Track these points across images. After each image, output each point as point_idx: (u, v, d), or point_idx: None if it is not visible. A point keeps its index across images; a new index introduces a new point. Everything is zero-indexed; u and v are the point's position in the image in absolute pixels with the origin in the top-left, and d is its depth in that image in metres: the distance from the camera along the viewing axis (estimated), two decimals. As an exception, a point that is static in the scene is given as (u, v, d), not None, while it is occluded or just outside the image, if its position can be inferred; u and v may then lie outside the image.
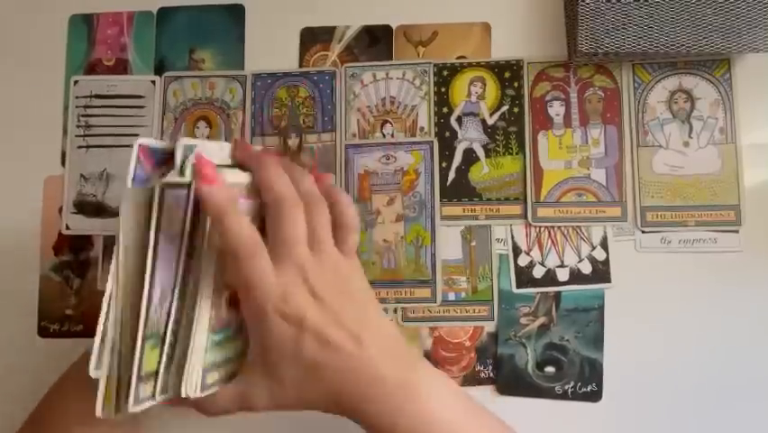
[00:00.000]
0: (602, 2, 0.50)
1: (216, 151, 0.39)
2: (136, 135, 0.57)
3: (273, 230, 0.37)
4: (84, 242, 0.56)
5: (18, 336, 0.56)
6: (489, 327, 0.53)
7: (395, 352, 0.39)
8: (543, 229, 0.54)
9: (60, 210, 0.56)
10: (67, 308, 0.56)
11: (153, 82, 0.57)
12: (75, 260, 0.56)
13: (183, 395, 0.36)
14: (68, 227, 0.56)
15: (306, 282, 0.37)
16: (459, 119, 0.55)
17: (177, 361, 0.36)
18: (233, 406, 0.38)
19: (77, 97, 0.58)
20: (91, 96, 0.57)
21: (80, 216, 0.56)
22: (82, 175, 0.57)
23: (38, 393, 0.48)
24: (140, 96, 0.57)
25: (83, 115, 0.57)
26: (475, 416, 0.40)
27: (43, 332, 0.56)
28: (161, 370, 0.36)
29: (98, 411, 0.34)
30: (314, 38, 0.57)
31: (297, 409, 0.38)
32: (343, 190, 0.40)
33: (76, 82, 0.58)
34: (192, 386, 0.36)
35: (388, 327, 0.40)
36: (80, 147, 0.57)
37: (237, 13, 0.58)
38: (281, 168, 0.39)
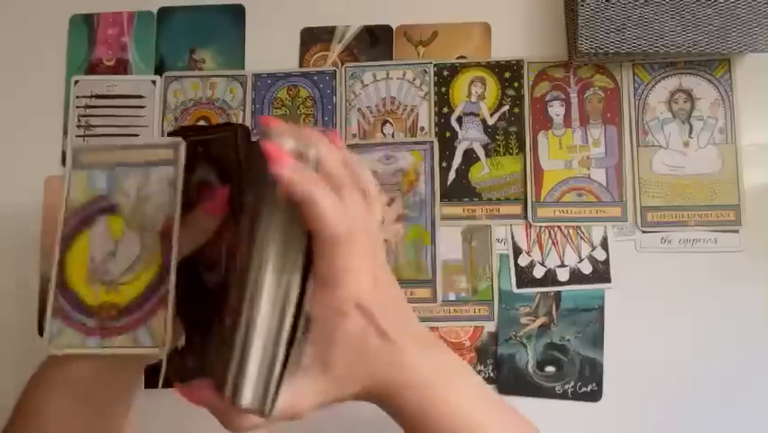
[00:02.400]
0: (602, 2, 0.50)
1: None
2: (136, 135, 0.57)
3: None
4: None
5: (18, 335, 0.56)
6: (490, 326, 0.53)
7: (421, 337, 0.38)
8: (543, 229, 0.54)
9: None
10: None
11: (153, 82, 0.57)
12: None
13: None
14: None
15: (372, 264, 0.35)
16: (459, 119, 0.55)
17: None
18: (287, 412, 0.35)
19: (77, 97, 0.58)
20: (91, 96, 0.57)
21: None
22: (82, 175, 0.57)
23: None
24: (140, 96, 0.57)
25: (83, 115, 0.57)
26: (496, 403, 0.40)
27: (43, 331, 0.55)
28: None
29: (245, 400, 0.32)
30: (314, 38, 0.57)
31: (333, 403, 0.37)
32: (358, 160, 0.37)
33: (76, 82, 0.58)
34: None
35: (412, 313, 0.39)
36: (80, 147, 0.57)
37: (237, 13, 0.58)
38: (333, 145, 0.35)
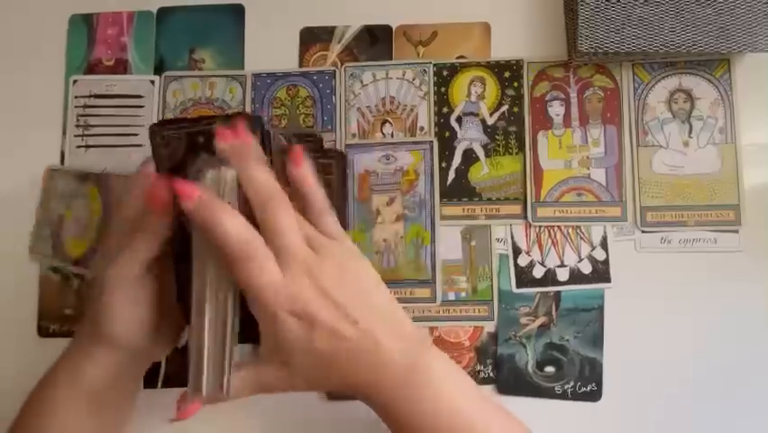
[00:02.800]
0: (602, 2, 0.50)
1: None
2: (135, 135, 0.57)
3: (268, 229, 0.37)
4: (84, 242, 0.56)
5: (17, 335, 0.56)
6: (489, 326, 0.53)
7: (404, 336, 0.39)
8: (543, 229, 0.54)
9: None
10: (66, 307, 0.55)
11: (152, 82, 0.57)
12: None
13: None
14: (67, 227, 0.56)
15: (312, 279, 0.37)
16: (459, 119, 0.55)
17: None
18: (250, 391, 0.38)
19: (76, 97, 0.57)
20: (90, 96, 0.57)
21: (80, 216, 0.56)
22: (82, 175, 0.57)
23: None
24: (139, 96, 0.57)
25: (82, 115, 0.57)
26: (482, 401, 0.41)
27: (43, 332, 0.56)
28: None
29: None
30: (314, 38, 0.57)
31: (317, 391, 0.40)
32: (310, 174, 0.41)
33: (75, 82, 0.58)
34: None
35: (395, 311, 0.40)
36: (79, 147, 0.57)
37: (237, 13, 0.58)
38: (262, 162, 0.38)
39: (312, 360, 0.37)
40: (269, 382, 0.38)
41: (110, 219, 0.55)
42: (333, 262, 0.38)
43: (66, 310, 0.55)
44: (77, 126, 0.57)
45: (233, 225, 0.36)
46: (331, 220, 0.40)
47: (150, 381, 0.54)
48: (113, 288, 0.40)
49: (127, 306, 0.40)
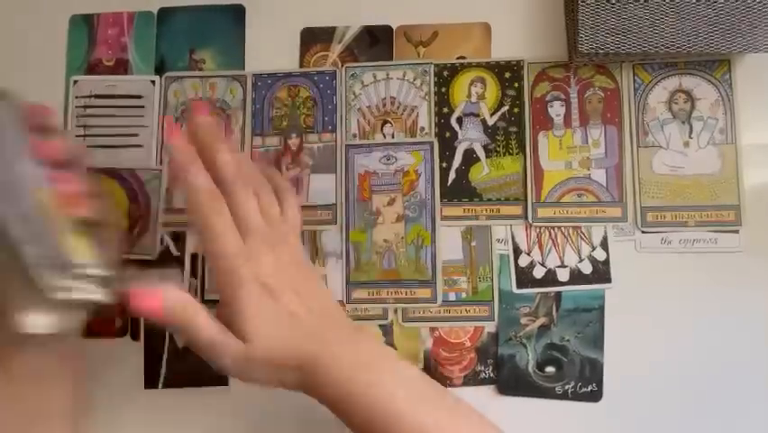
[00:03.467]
0: (602, 2, 0.50)
1: None
2: (136, 135, 0.57)
3: (232, 203, 0.41)
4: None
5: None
6: (490, 327, 0.53)
7: (339, 322, 0.43)
8: (543, 229, 0.54)
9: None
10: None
11: (153, 82, 0.57)
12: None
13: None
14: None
15: (271, 252, 0.41)
16: (459, 119, 0.55)
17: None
18: (211, 350, 0.39)
19: (76, 97, 0.57)
20: (91, 97, 0.57)
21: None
22: (82, 175, 0.57)
23: None
24: (139, 97, 0.57)
25: (82, 116, 0.57)
26: (446, 409, 0.39)
27: None
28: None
29: None
30: (314, 38, 0.57)
31: (261, 377, 0.39)
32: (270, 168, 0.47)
33: (75, 82, 0.58)
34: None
35: (330, 299, 0.44)
36: (80, 147, 0.57)
37: (237, 13, 0.58)
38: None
39: (273, 331, 0.39)
40: (228, 349, 0.39)
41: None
42: (284, 241, 0.43)
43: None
44: (78, 127, 0.57)
45: (206, 178, 0.40)
46: (289, 208, 0.45)
47: (150, 381, 0.54)
48: None
49: None
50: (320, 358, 0.38)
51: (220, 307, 0.41)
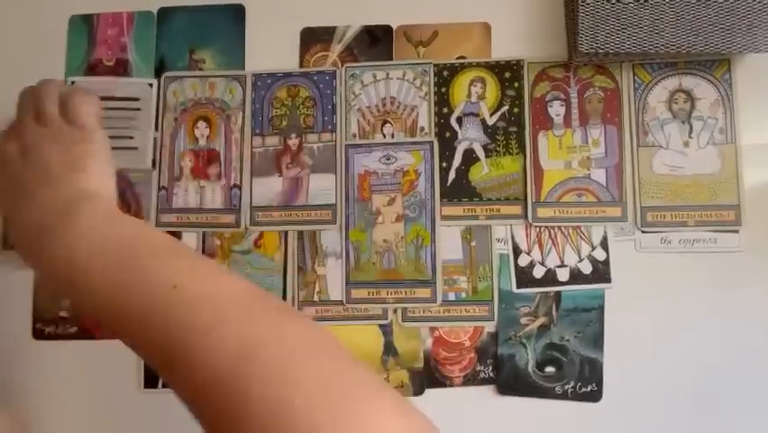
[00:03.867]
0: (602, 2, 0.50)
1: None
2: (131, 138, 0.57)
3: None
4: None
5: (12, 338, 0.55)
6: (490, 327, 0.53)
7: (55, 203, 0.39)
8: (543, 229, 0.54)
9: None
10: (61, 310, 0.55)
11: (151, 85, 0.57)
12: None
13: None
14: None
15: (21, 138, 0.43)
16: (459, 119, 0.55)
17: None
18: None
19: None
20: None
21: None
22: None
23: (33, 396, 0.48)
24: (137, 99, 0.57)
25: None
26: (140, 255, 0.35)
27: (38, 334, 0.55)
28: None
29: None
30: (314, 38, 0.57)
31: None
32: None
33: (73, 83, 0.58)
34: None
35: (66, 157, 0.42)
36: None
37: (237, 13, 0.58)
38: None
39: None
40: None
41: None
42: (53, 135, 0.44)
43: (61, 313, 0.55)
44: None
45: None
46: (76, 108, 0.46)
47: (150, 381, 0.54)
48: None
49: None
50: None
51: None
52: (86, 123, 0.45)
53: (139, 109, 0.57)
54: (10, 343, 0.55)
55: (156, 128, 0.57)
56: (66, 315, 0.55)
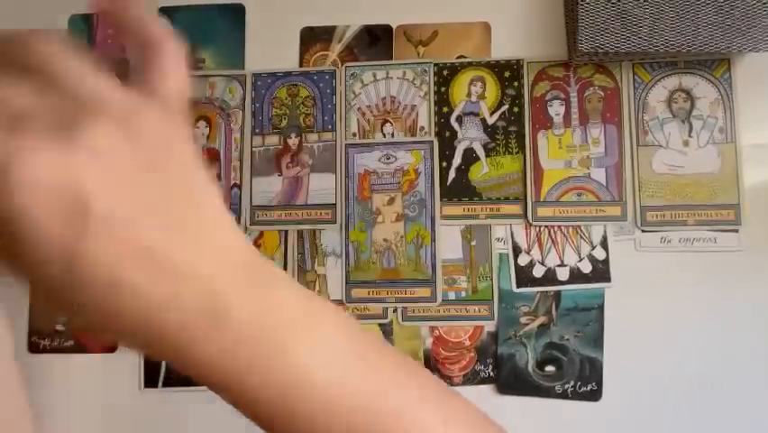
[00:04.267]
0: (602, 2, 0.50)
1: None
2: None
3: None
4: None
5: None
6: (489, 326, 0.53)
7: (243, 264, 0.22)
8: (543, 229, 0.54)
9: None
10: (57, 323, 0.55)
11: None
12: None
13: None
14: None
15: (59, 141, 0.19)
16: (459, 119, 0.55)
17: None
18: None
19: None
20: None
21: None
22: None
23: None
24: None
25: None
26: (381, 370, 0.23)
27: (33, 347, 0.55)
28: None
29: None
30: (314, 38, 0.57)
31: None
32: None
33: None
34: None
35: (229, 227, 0.22)
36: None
37: (237, 13, 0.58)
38: None
39: (82, 289, 0.20)
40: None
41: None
42: (121, 125, 0.20)
43: (57, 326, 0.55)
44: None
45: None
46: (166, 75, 0.22)
47: (150, 381, 0.54)
48: None
49: None
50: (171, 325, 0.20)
51: None
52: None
53: None
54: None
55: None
56: (61, 328, 0.55)
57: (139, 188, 0.20)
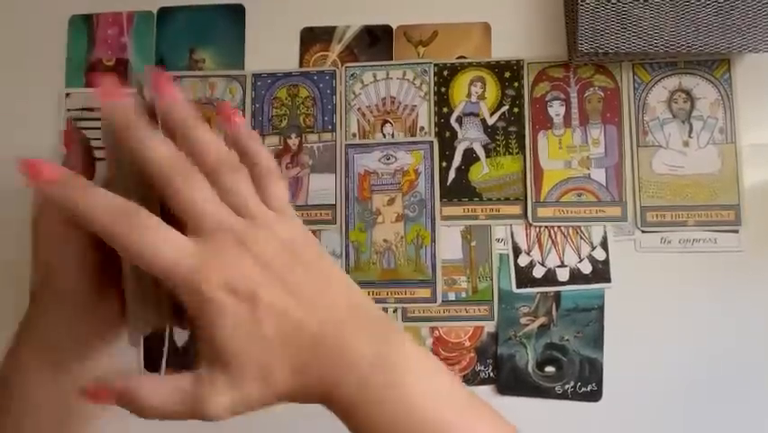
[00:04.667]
0: (602, 2, 0.50)
1: None
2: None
3: (181, 205, 0.31)
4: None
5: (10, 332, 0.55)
6: (489, 326, 0.53)
7: (368, 324, 0.31)
8: (543, 229, 0.54)
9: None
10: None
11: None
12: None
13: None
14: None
15: (246, 249, 0.30)
16: (459, 119, 0.55)
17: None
18: (180, 408, 0.30)
19: (68, 110, 0.57)
20: (83, 109, 0.57)
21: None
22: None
23: None
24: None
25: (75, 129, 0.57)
26: (471, 408, 0.32)
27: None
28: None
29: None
30: (314, 38, 0.57)
31: (261, 407, 0.32)
32: (254, 135, 0.35)
33: (68, 95, 0.58)
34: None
35: (358, 296, 0.33)
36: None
37: (237, 13, 0.58)
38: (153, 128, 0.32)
39: (261, 353, 0.29)
40: (211, 394, 0.30)
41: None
42: (273, 232, 0.31)
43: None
44: (73, 135, 0.57)
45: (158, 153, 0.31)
46: (278, 189, 0.34)
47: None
48: (40, 234, 0.37)
49: (58, 241, 0.36)
50: (338, 388, 0.30)
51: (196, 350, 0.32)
52: (287, 210, 0.34)
53: None
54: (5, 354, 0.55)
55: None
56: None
57: (291, 281, 0.30)
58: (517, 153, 0.55)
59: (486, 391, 0.53)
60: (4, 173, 0.57)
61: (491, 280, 0.53)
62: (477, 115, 0.55)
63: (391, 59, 0.57)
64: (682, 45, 0.50)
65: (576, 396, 0.52)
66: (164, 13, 0.59)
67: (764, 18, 0.50)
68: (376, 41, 0.57)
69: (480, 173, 0.55)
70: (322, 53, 0.57)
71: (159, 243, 0.29)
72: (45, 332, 0.39)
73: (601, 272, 0.53)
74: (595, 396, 0.52)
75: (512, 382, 0.53)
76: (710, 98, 0.54)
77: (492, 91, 0.55)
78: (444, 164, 0.55)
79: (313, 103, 0.56)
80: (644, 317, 0.52)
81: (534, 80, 0.55)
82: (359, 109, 0.56)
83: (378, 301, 0.54)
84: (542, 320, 0.53)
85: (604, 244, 0.53)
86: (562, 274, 0.53)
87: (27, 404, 0.38)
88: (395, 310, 0.54)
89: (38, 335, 0.39)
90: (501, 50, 0.56)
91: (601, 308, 0.53)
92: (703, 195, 0.53)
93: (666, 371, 0.52)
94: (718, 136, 0.54)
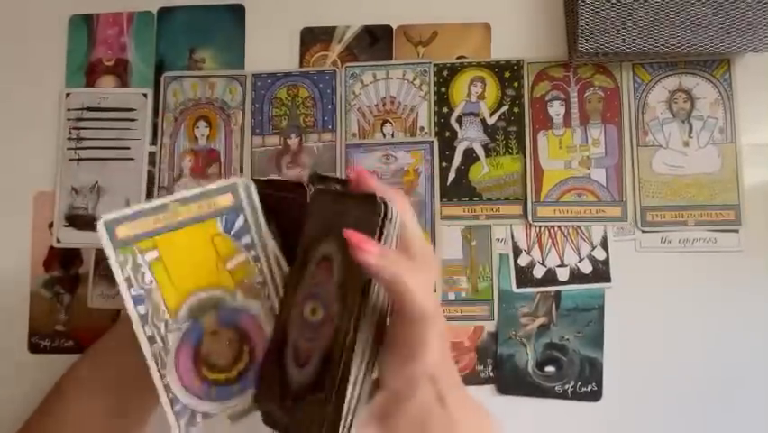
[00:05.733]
0: (602, 2, 0.50)
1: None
2: (128, 148, 0.56)
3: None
4: (73, 257, 0.56)
5: (8, 352, 0.55)
6: (490, 326, 0.53)
7: (460, 390, 0.39)
8: (543, 229, 0.54)
9: (51, 225, 0.56)
10: (57, 324, 0.55)
11: (145, 95, 0.57)
12: (65, 275, 0.56)
13: None
14: (59, 241, 0.56)
15: (441, 341, 0.36)
16: (459, 119, 0.55)
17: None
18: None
19: (68, 110, 0.57)
20: (83, 109, 0.57)
21: (71, 230, 0.56)
22: (73, 188, 0.56)
23: (29, 409, 0.48)
24: (131, 110, 0.57)
25: (74, 128, 0.57)
26: (474, 409, 0.39)
27: (34, 348, 0.55)
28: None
29: None
30: (314, 38, 0.57)
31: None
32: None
33: (68, 95, 0.57)
34: None
35: (453, 365, 0.41)
36: (72, 160, 0.57)
37: (237, 13, 0.58)
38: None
39: (415, 427, 0.36)
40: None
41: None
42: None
43: (57, 327, 0.55)
44: (70, 139, 0.57)
45: (419, 282, 0.33)
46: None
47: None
48: None
49: None
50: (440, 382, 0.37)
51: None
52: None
53: (134, 120, 0.57)
54: (7, 356, 0.55)
55: (153, 138, 0.57)
56: (62, 329, 0.55)
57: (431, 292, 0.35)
58: (517, 153, 0.55)
59: (486, 390, 0.53)
60: (4, 173, 0.58)
61: (491, 279, 0.53)
62: (477, 114, 0.55)
63: (391, 59, 0.57)
64: (682, 45, 0.50)
65: (576, 396, 0.52)
66: (164, 13, 0.59)
67: (764, 18, 0.50)
68: (376, 41, 0.57)
69: (480, 173, 0.55)
70: (322, 53, 0.57)
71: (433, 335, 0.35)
72: (115, 371, 0.42)
73: (601, 272, 0.53)
74: (595, 396, 0.52)
75: (512, 381, 0.53)
76: (710, 98, 0.54)
77: (492, 91, 0.55)
78: (444, 164, 0.55)
79: (313, 103, 0.56)
80: (644, 317, 0.52)
81: (534, 80, 0.55)
82: (359, 109, 0.56)
83: (378, 301, 0.54)
84: (542, 320, 0.53)
85: (604, 244, 0.53)
86: (562, 274, 0.53)
87: (71, 418, 0.44)
88: (395, 310, 0.54)
89: (104, 361, 0.43)
90: (501, 50, 0.56)
91: (601, 308, 0.53)
92: (703, 195, 0.53)
93: (666, 370, 0.52)
94: (718, 136, 0.54)
